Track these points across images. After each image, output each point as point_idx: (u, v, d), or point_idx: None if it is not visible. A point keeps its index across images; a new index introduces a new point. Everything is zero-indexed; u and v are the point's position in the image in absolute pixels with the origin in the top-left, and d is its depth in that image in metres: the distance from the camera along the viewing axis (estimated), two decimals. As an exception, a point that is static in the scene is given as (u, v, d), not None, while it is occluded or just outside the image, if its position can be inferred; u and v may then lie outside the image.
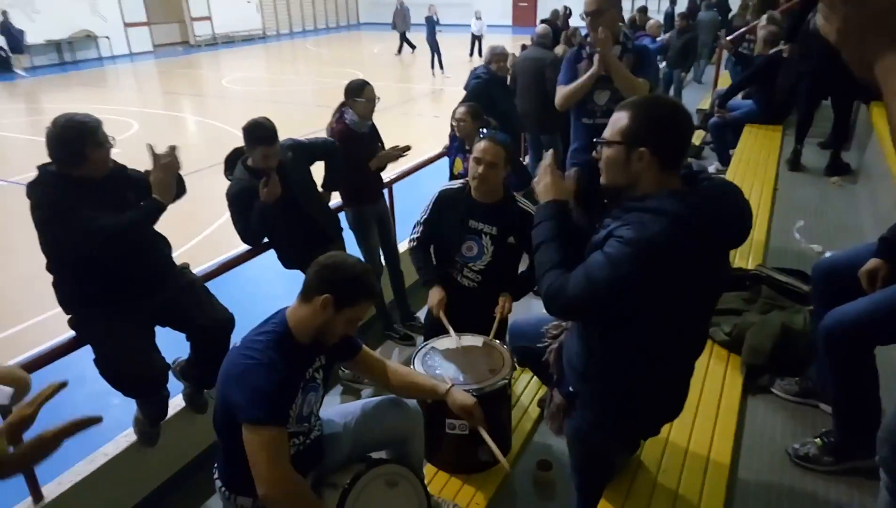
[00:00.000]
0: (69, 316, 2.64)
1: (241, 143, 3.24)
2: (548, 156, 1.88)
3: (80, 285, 2.59)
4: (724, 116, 5.93)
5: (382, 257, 4.22)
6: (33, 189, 2.47)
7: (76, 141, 2.44)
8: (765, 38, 5.74)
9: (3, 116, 12.46)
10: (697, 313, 1.75)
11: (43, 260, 2.55)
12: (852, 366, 2.22)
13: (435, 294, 2.81)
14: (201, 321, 2.77)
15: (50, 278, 2.60)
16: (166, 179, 2.55)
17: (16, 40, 16.92)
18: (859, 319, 2.15)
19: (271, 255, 3.53)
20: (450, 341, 2.56)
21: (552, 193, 1.81)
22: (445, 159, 4.65)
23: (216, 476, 2.00)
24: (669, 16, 11.69)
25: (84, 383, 3.30)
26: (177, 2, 22.33)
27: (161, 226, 2.75)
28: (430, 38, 16.63)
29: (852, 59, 0.81)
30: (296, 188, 3.31)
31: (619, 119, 1.63)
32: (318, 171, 3.61)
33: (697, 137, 6.85)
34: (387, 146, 3.99)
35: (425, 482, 2.10)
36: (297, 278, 3.43)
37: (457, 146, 4.21)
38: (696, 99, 8.92)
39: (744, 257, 3.51)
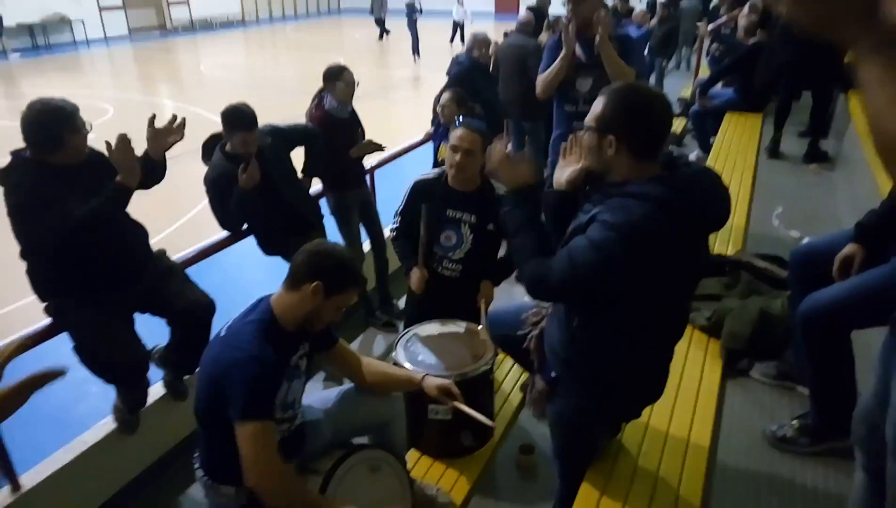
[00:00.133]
0: (45, 303, 2.59)
1: (219, 129, 3.20)
2: (500, 143, 1.89)
3: (56, 273, 2.54)
4: (705, 104, 5.98)
5: (367, 244, 4.21)
6: (7, 175, 2.40)
7: (53, 125, 2.38)
8: (745, 28, 5.77)
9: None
10: (679, 297, 1.77)
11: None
12: (829, 350, 2.26)
13: (415, 274, 2.82)
14: (181, 305, 2.74)
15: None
16: (126, 162, 2.45)
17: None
18: (835, 304, 2.19)
19: (251, 241, 3.49)
20: (432, 327, 2.55)
21: (515, 177, 1.82)
22: (428, 146, 4.63)
23: (197, 465, 1.98)
24: (652, 4, 11.71)
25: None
26: (153, -15, 21.97)
27: (139, 211, 2.71)
28: (410, 25, 16.51)
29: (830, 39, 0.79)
30: (275, 174, 3.26)
31: (597, 105, 1.64)
32: (297, 157, 3.57)
33: (679, 124, 6.89)
34: (367, 132, 3.96)
35: (408, 466, 2.11)
36: (277, 264, 3.44)
37: (441, 133, 4.19)
38: (678, 87, 8.96)
39: (724, 243, 3.55)
